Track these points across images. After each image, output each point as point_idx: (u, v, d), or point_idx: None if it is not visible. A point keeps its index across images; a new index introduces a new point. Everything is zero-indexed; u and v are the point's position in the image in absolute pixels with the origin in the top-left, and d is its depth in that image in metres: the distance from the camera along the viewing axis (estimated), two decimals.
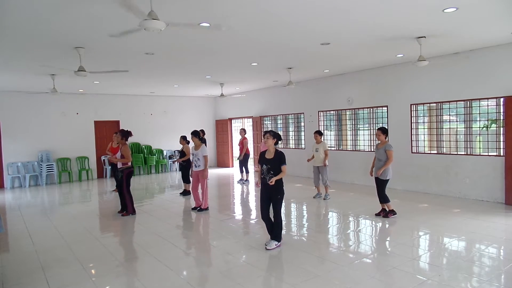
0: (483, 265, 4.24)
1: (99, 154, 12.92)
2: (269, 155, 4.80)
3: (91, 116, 12.79)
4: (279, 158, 4.72)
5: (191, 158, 7.31)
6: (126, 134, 7.00)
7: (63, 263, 4.59)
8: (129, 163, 6.92)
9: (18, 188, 11.12)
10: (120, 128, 7.16)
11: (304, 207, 7.45)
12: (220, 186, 10.69)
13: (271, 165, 4.73)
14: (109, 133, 13.08)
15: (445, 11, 4.76)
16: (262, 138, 4.97)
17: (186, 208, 7.72)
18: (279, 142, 4.88)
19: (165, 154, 14.23)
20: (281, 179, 4.75)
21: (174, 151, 14.36)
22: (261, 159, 4.88)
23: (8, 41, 5.55)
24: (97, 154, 12.88)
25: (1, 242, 5.68)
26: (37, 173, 11.50)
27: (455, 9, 4.69)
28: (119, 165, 6.93)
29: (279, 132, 12.48)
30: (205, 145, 7.34)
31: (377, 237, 5.49)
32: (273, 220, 4.87)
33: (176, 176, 13.00)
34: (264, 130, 5.25)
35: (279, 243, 4.89)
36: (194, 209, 7.33)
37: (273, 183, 4.61)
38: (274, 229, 4.87)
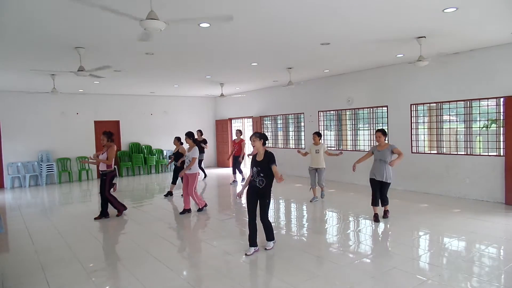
0: (483, 265, 4.24)
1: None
2: (259, 157, 4.71)
3: (91, 116, 12.79)
4: (268, 160, 4.61)
5: (185, 160, 7.25)
6: (112, 135, 6.87)
7: (63, 263, 4.59)
8: (112, 167, 6.81)
9: (18, 188, 11.12)
10: (104, 130, 7.08)
11: (304, 207, 7.44)
12: (220, 186, 10.68)
13: (261, 167, 4.64)
14: None
15: (445, 11, 4.76)
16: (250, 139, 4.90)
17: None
18: (267, 142, 4.81)
19: (165, 154, 14.23)
20: (270, 183, 4.68)
21: (174, 151, 14.34)
22: (253, 161, 4.80)
23: (8, 41, 5.55)
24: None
25: (1, 242, 5.69)
26: (37, 173, 11.50)
27: (455, 9, 4.69)
28: (102, 168, 6.77)
29: (279, 132, 12.63)
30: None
31: (377, 237, 5.49)
32: (262, 223, 4.75)
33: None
34: (252, 133, 5.18)
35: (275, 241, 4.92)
36: (182, 213, 7.08)
37: (281, 179, 4.46)
38: (266, 231, 4.81)
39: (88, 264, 4.54)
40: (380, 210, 6.23)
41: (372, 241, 5.29)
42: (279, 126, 12.89)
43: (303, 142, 11.74)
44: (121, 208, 7.05)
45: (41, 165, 11.48)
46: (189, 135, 7.26)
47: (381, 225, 5.89)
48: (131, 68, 8.07)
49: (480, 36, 6.19)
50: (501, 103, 7.05)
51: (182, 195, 8.96)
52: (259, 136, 4.73)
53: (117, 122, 13.33)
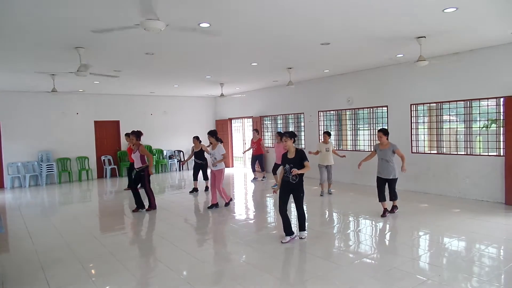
0: (483, 265, 4.24)
1: (99, 154, 12.91)
2: (291, 154, 5.09)
3: (91, 116, 12.79)
4: (300, 157, 4.99)
5: (211, 158, 7.35)
6: (140, 134, 7.26)
7: (63, 263, 4.59)
8: (146, 162, 7.15)
9: (18, 188, 11.12)
10: (133, 130, 7.31)
11: (304, 207, 7.42)
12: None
13: (293, 163, 4.98)
14: (109, 133, 13.10)
15: (445, 11, 4.76)
16: (280, 140, 5.33)
17: (186, 208, 7.72)
18: (295, 139, 5.23)
19: (165, 154, 14.23)
20: (302, 178, 5.01)
21: (174, 151, 14.37)
22: (284, 159, 5.16)
23: (8, 41, 5.55)
24: (97, 154, 12.87)
25: (1, 242, 5.68)
26: (37, 173, 11.49)
27: (455, 9, 4.69)
28: (138, 165, 7.11)
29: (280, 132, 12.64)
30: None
31: (377, 237, 5.49)
32: (298, 213, 5.18)
33: (176, 176, 13.01)
34: (281, 132, 5.82)
35: (302, 233, 5.21)
36: (210, 207, 7.36)
37: (295, 173, 4.84)
38: (301, 221, 5.20)
39: (88, 264, 4.54)
40: (389, 205, 6.41)
41: (372, 241, 5.29)
42: (279, 126, 12.89)
43: (303, 142, 11.74)
44: (153, 205, 7.32)
45: (41, 165, 11.47)
46: (212, 133, 7.33)
47: (381, 225, 5.89)
48: (131, 68, 8.07)
49: (480, 36, 6.19)
50: (501, 103, 7.05)
51: (205, 189, 9.30)
52: (289, 135, 5.14)
53: (117, 122, 13.32)
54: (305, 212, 5.31)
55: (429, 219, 6.06)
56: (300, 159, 4.97)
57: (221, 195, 7.42)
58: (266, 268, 4.28)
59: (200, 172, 9.31)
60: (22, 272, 4.37)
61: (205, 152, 9.06)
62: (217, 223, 6.45)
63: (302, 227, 5.23)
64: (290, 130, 12.41)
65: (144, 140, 13.67)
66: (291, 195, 5.11)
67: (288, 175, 5.00)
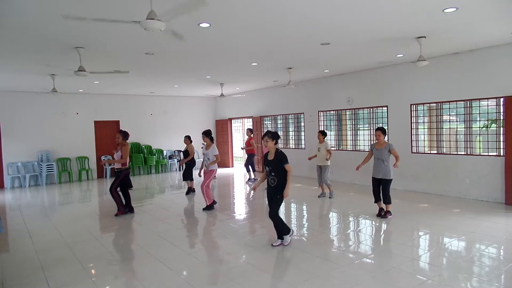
0: (483, 265, 4.23)
1: (99, 154, 12.91)
2: (270, 156, 4.85)
3: (91, 116, 12.79)
4: (279, 159, 4.74)
5: (193, 157, 7.27)
6: (127, 134, 7.06)
7: (63, 263, 4.59)
8: (127, 165, 6.93)
9: (18, 188, 11.12)
10: (120, 129, 7.17)
11: (304, 207, 7.45)
12: (221, 186, 10.69)
13: (272, 166, 4.78)
14: (109, 133, 13.10)
15: (445, 11, 4.76)
16: (261, 140, 5.02)
17: (186, 208, 7.72)
18: (278, 141, 4.94)
19: (165, 154, 14.24)
20: (282, 181, 4.75)
21: (174, 151, 14.37)
22: (265, 160, 4.95)
23: (8, 42, 5.55)
24: (97, 154, 12.87)
25: (1, 242, 5.68)
26: (37, 173, 11.50)
27: (455, 9, 4.69)
28: (117, 166, 6.94)
29: (279, 132, 12.62)
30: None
31: (377, 237, 5.49)
32: (271, 219, 4.89)
33: (176, 176, 13.01)
34: (264, 132, 5.62)
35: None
36: (205, 209, 7.24)
37: (286, 195, 4.69)
38: (277, 227, 4.90)
39: (88, 264, 4.54)
40: (383, 207, 6.32)
41: (372, 241, 5.29)
42: (279, 126, 12.89)
43: (303, 142, 11.74)
44: (121, 209, 7.06)
45: (41, 165, 11.47)
46: (207, 133, 7.22)
47: (381, 225, 5.89)
48: (131, 68, 8.06)
49: (480, 36, 6.19)
50: (501, 103, 7.05)
51: (187, 193, 9.12)
52: (271, 136, 4.84)
53: (117, 122, 13.32)
54: (282, 218, 5.00)
55: (429, 219, 6.06)
56: (279, 161, 4.72)
57: (203, 195, 7.19)
58: (266, 268, 4.28)
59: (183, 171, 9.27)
60: (22, 272, 4.37)
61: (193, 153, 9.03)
62: (216, 223, 6.45)
63: (278, 234, 4.94)
64: (290, 130, 12.43)
65: (144, 140, 13.81)
66: None
67: (268, 177, 4.86)
